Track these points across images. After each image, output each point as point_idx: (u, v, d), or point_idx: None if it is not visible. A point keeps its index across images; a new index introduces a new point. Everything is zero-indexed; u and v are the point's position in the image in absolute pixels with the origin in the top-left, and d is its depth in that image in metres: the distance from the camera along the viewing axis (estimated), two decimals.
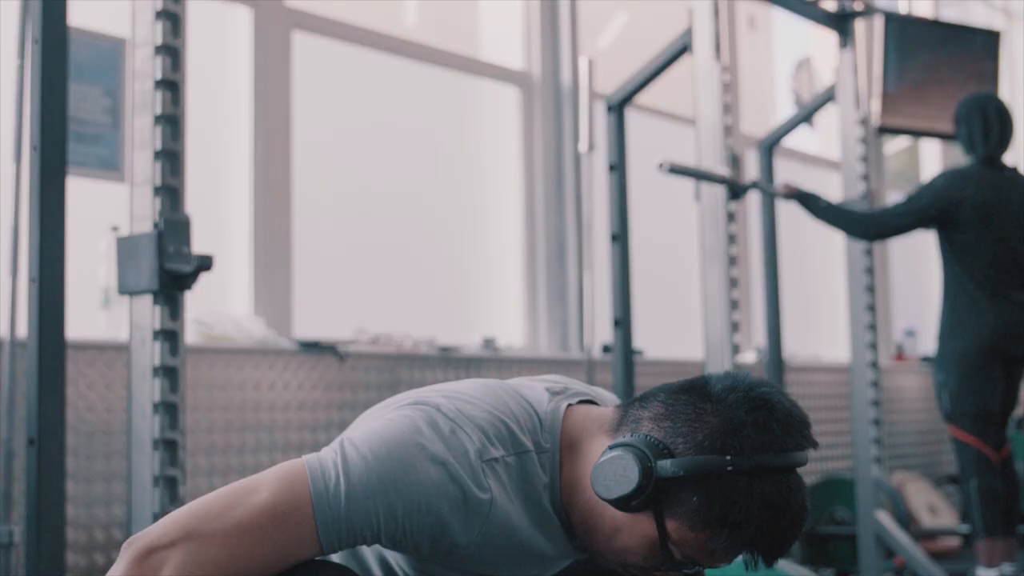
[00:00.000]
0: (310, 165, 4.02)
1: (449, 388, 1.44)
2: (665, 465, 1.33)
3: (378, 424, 1.37)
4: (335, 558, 1.49)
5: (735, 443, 1.33)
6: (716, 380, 1.40)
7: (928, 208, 3.99)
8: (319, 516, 1.29)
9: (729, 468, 1.32)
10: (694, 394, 1.39)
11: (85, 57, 3.37)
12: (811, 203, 4.14)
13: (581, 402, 1.50)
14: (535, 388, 1.49)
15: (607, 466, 1.36)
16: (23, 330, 2.69)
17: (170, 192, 2.46)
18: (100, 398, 3.13)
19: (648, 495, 1.34)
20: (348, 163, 4.26)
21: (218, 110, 3.83)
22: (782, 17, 6.87)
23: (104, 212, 3.27)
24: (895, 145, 7.82)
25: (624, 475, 1.34)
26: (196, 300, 3.31)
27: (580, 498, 1.42)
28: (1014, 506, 4.06)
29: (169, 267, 2.41)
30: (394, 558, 1.47)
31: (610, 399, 1.58)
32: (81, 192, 3.11)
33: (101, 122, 3.39)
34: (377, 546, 1.47)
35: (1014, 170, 4.17)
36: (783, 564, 2.03)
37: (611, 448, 1.37)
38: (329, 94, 4.22)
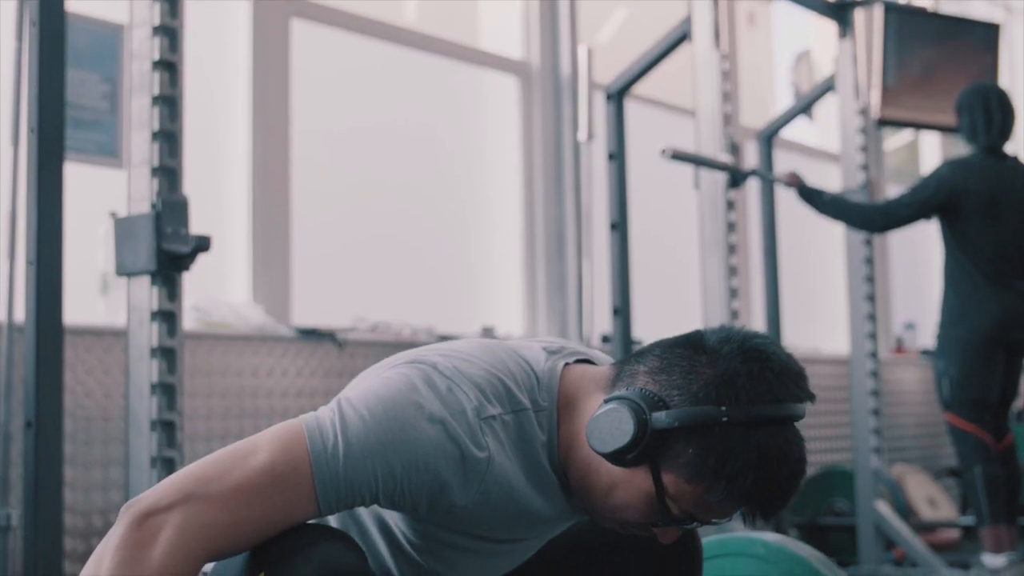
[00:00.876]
0: (309, 153, 4.02)
1: (446, 347, 1.44)
2: (660, 417, 1.33)
3: (375, 383, 1.36)
4: (332, 521, 1.49)
5: (730, 394, 1.32)
6: (711, 333, 1.39)
7: (932, 198, 3.99)
8: (317, 476, 1.28)
9: (724, 419, 1.31)
10: (689, 347, 1.38)
11: (83, 44, 3.37)
12: (815, 199, 4.14)
13: (578, 361, 1.50)
14: (532, 348, 1.49)
15: (602, 420, 1.35)
16: (21, 315, 2.70)
17: (168, 173, 2.46)
18: (98, 384, 3.12)
19: (643, 447, 1.33)
20: (347, 151, 4.26)
21: (216, 98, 3.82)
22: (782, 14, 6.88)
23: (102, 199, 3.26)
24: (895, 141, 7.81)
25: (619, 428, 1.33)
26: (194, 287, 3.30)
27: (577, 455, 1.42)
28: (1016, 495, 4.06)
29: (167, 248, 2.40)
30: (393, 520, 1.46)
31: (607, 360, 1.57)
32: (79, 179, 3.10)
33: (99, 108, 3.39)
34: (376, 508, 1.47)
35: (1015, 159, 4.18)
36: (804, 549, 2.03)
37: (606, 402, 1.37)
38: (328, 83, 4.22)
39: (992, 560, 3.82)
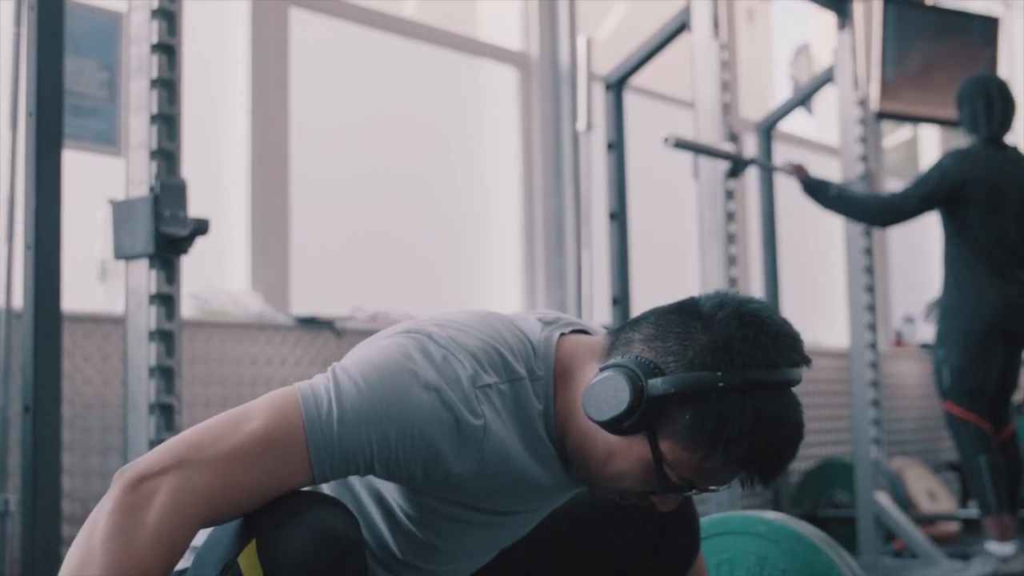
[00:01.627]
0: (308, 142, 4.02)
1: (442, 317, 1.43)
2: (656, 383, 1.32)
3: (370, 351, 1.36)
4: (327, 491, 1.48)
5: (726, 359, 1.32)
6: (706, 299, 1.39)
7: (937, 190, 3.99)
8: (311, 442, 1.28)
9: (720, 384, 1.31)
10: (684, 313, 1.38)
11: (82, 31, 3.37)
12: (820, 193, 4.14)
13: (574, 331, 1.49)
14: (528, 319, 1.49)
15: (598, 387, 1.34)
16: (18, 301, 2.70)
17: (166, 156, 2.46)
18: (96, 371, 3.12)
19: (640, 415, 1.33)
20: (346, 140, 4.25)
21: (215, 87, 3.82)
22: (781, 11, 6.88)
23: (101, 186, 3.26)
24: (895, 138, 7.82)
25: (615, 395, 1.33)
26: (193, 274, 3.30)
27: (574, 424, 1.41)
28: (1017, 485, 4.07)
29: (165, 231, 2.40)
30: (388, 492, 1.45)
31: (602, 331, 1.57)
32: (78, 166, 3.10)
33: (98, 96, 3.38)
34: (371, 480, 1.46)
35: (1015, 149, 4.18)
36: (805, 528, 2.03)
37: (601, 370, 1.36)
38: (327, 73, 4.21)
39: (1000, 548, 3.82)
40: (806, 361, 1.38)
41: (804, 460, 5.65)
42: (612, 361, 1.37)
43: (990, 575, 3.78)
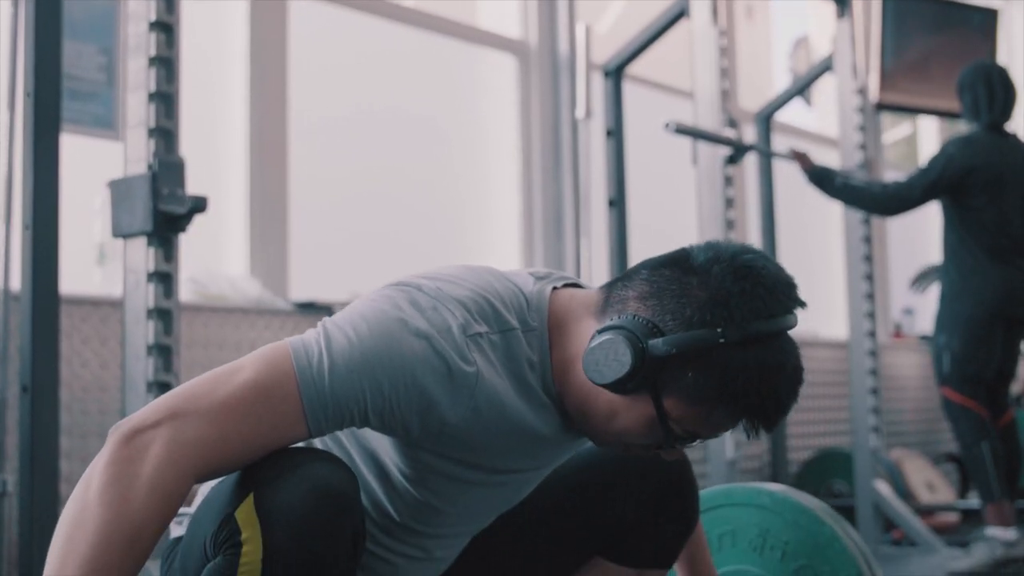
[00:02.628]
0: (306, 128, 4.01)
1: (432, 271, 1.43)
2: (657, 344, 1.32)
3: (359, 305, 1.36)
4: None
5: (724, 315, 1.32)
6: (698, 251, 1.38)
7: (941, 177, 3.98)
8: (304, 393, 1.28)
9: (721, 340, 1.31)
10: (677, 268, 1.37)
11: (80, 16, 3.36)
12: (825, 183, 4.13)
13: (566, 286, 1.49)
14: (520, 273, 1.49)
15: (598, 351, 1.34)
16: (16, 283, 2.69)
17: (164, 134, 2.44)
18: (94, 354, 3.11)
19: (642, 376, 1.33)
20: (344, 127, 4.25)
21: (214, 73, 3.82)
22: (780, 5, 6.89)
23: (99, 170, 3.24)
24: (894, 134, 7.82)
25: (616, 358, 1.32)
26: (192, 260, 3.30)
27: (573, 382, 1.41)
28: (1016, 473, 4.07)
29: (163, 208, 2.39)
30: (384, 450, 1.45)
31: (594, 287, 1.57)
32: (76, 150, 3.09)
33: (96, 80, 3.38)
34: (365, 441, 1.46)
35: (1015, 136, 4.18)
36: (809, 500, 2.03)
37: (600, 332, 1.36)
38: (326, 60, 4.21)
39: (1003, 533, 3.83)
40: (801, 304, 1.38)
41: (803, 451, 5.65)
42: (610, 322, 1.36)
43: (999, 559, 3.78)
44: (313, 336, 1.32)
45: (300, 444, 1.43)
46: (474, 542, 1.67)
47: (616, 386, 1.34)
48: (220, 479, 1.33)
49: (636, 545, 1.72)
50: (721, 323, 1.32)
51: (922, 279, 4.49)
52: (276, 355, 1.29)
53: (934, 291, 4.20)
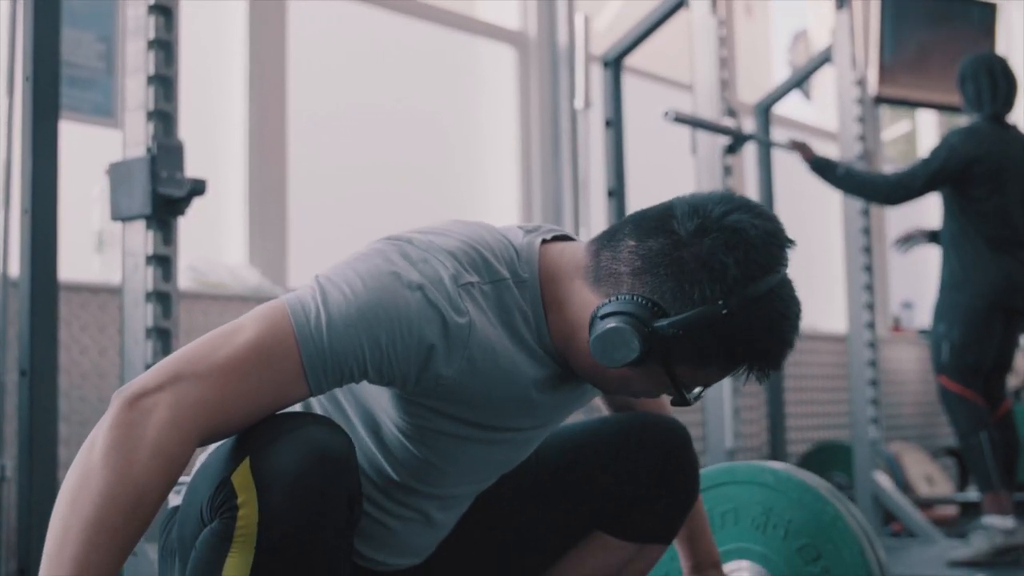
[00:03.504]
0: (305, 117, 4.01)
1: (422, 226, 1.44)
2: (662, 325, 1.34)
3: (352, 260, 1.36)
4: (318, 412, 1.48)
5: (723, 288, 1.34)
6: (682, 217, 1.37)
7: (944, 167, 3.98)
8: (303, 349, 1.27)
9: (724, 312, 1.33)
10: (665, 239, 1.37)
11: (80, 4, 3.35)
12: (828, 172, 4.13)
13: (555, 238, 1.49)
14: (510, 227, 1.50)
15: (605, 339, 1.35)
16: (15, 269, 2.68)
17: (163, 117, 2.43)
18: (93, 341, 3.11)
19: (649, 355, 1.35)
20: (343, 117, 4.24)
21: (212, 64, 3.81)
22: (779, 3, 6.89)
23: (98, 158, 3.24)
24: (893, 131, 7.82)
25: (624, 344, 1.34)
26: (191, 248, 3.29)
27: (580, 352, 1.42)
28: (1014, 463, 4.06)
29: (162, 191, 2.38)
30: (383, 409, 1.45)
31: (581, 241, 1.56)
32: (75, 138, 3.09)
33: (95, 67, 3.37)
34: (363, 398, 1.46)
35: (1015, 128, 4.17)
36: (812, 479, 2.03)
37: (603, 317, 1.36)
38: (325, 50, 4.20)
39: (1002, 522, 3.82)
40: (791, 243, 1.40)
41: (802, 443, 5.65)
42: (610, 307, 1.36)
43: (998, 547, 3.78)
44: (309, 293, 1.31)
45: (299, 406, 1.44)
46: (473, 515, 1.67)
47: (627, 367, 1.37)
48: (217, 445, 1.33)
49: (637, 519, 1.72)
50: (721, 296, 1.33)
51: (906, 241, 4.44)
52: (275, 314, 1.29)
53: (932, 284, 4.18)
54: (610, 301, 1.37)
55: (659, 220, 1.39)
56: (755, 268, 1.34)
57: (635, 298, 1.35)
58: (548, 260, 1.44)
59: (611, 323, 1.35)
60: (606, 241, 1.42)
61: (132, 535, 1.18)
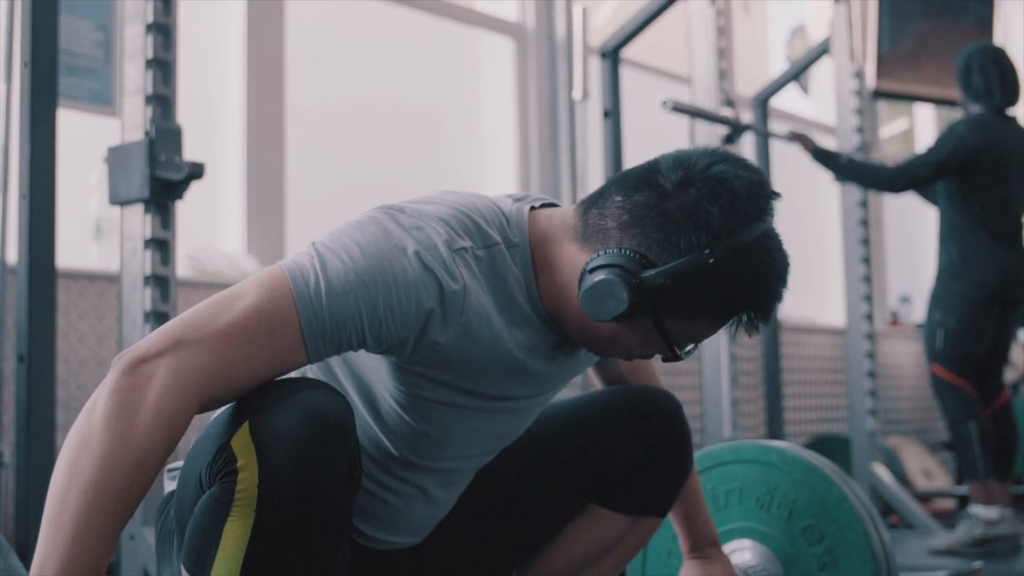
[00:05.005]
0: (303, 107, 4.00)
1: (412, 197, 1.45)
2: (651, 276, 1.35)
3: (346, 227, 1.37)
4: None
5: (710, 238, 1.34)
6: (668, 170, 1.39)
7: (951, 156, 3.98)
8: (302, 314, 1.28)
9: (711, 261, 1.34)
10: (651, 192, 1.38)
11: None
12: (831, 161, 4.13)
13: (543, 206, 1.51)
14: (498, 196, 1.51)
15: (594, 291, 1.36)
16: (12, 256, 2.67)
17: (161, 101, 2.43)
18: (91, 328, 3.09)
19: (640, 307, 1.35)
20: (342, 107, 4.24)
21: (211, 51, 3.80)
22: (775, 1, 6.90)
23: (96, 146, 3.23)
24: (891, 128, 7.82)
25: (613, 296, 1.35)
26: (189, 237, 3.28)
27: (570, 311, 1.43)
28: (1012, 453, 4.06)
29: (160, 175, 2.37)
30: (380, 380, 1.44)
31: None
32: (73, 126, 3.08)
33: (93, 56, 3.36)
34: (359, 370, 1.46)
35: (1015, 120, 4.17)
36: (817, 459, 2.02)
37: (591, 271, 1.37)
38: (323, 39, 4.19)
39: (986, 512, 3.83)
40: (776, 195, 1.41)
41: (800, 437, 5.64)
42: (599, 257, 1.37)
43: (978, 538, 3.80)
44: (307, 260, 1.32)
45: (298, 374, 1.44)
46: (469, 492, 1.67)
47: (616, 320, 1.37)
48: (213, 419, 1.33)
49: (631, 492, 1.73)
50: (708, 244, 1.34)
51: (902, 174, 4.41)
52: (275, 280, 1.29)
53: (930, 278, 4.17)
54: (598, 255, 1.38)
55: (645, 175, 1.41)
56: (740, 217, 1.35)
57: (623, 251, 1.36)
58: (537, 225, 1.46)
59: (600, 276, 1.36)
60: (593, 201, 1.44)
61: (133, 498, 1.17)
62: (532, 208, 1.48)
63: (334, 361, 1.47)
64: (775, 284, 1.39)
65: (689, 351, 1.43)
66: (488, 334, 1.40)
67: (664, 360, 1.46)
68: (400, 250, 1.32)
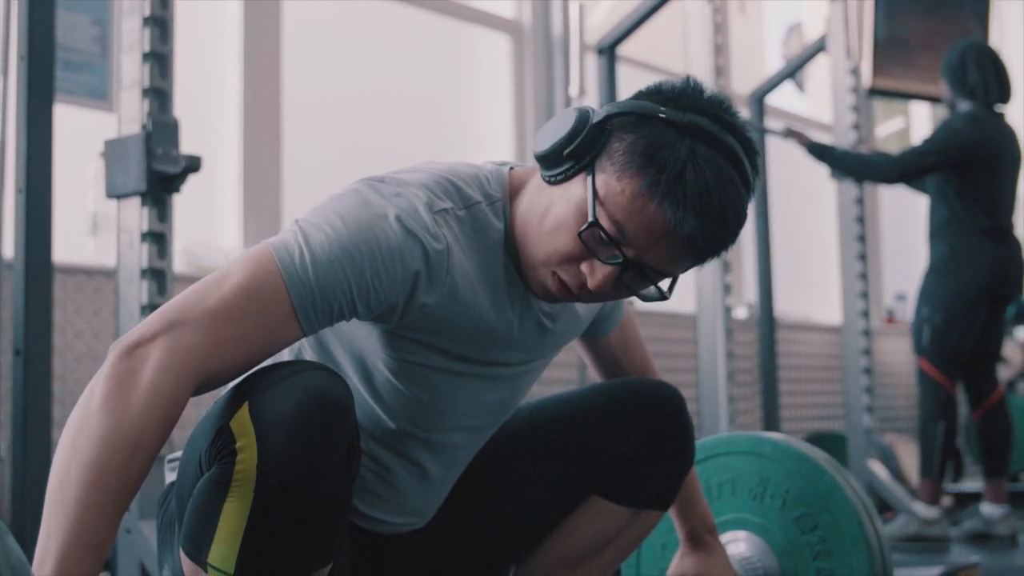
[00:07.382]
0: (300, 103, 4.00)
1: (391, 169, 1.46)
2: (599, 111, 1.37)
3: (327, 202, 1.38)
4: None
5: (671, 101, 1.35)
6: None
7: (947, 149, 3.99)
8: (291, 287, 1.29)
9: (661, 114, 1.34)
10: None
11: None
12: (826, 154, 4.15)
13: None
14: (479, 162, 1.53)
15: (548, 125, 1.40)
16: (9, 250, 2.67)
17: (158, 94, 2.43)
18: (87, 323, 3.10)
19: (581, 142, 1.35)
20: (338, 103, 4.24)
21: (208, 45, 3.80)
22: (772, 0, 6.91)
23: (92, 141, 3.23)
24: (887, 128, 7.83)
25: (561, 124, 1.38)
26: (186, 232, 3.28)
27: (521, 209, 1.44)
28: (1006, 450, 4.08)
29: (157, 168, 2.37)
30: (372, 348, 1.45)
31: None
32: (69, 121, 3.08)
33: (90, 51, 3.36)
34: (351, 341, 1.47)
35: (1004, 117, 4.19)
36: (810, 450, 2.03)
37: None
38: (320, 36, 4.20)
39: (927, 511, 3.92)
40: (754, 164, 1.38)
41: (796, 434, 5.64)
42: None
43: (912, 535, 3.87)
44: (291, 235, 1.33)
45: (293, 356, 1.45)
46: (470, 483, 1.68)
47: (555, 153, 1.37)
48: (212, 404, 1.33)
49: (633, 484, 1.73)
50: (665, 103, 1.35)
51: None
52: (261, 257, 1.30)
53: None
54: None
55: None
56: (703, 108, 1.35)
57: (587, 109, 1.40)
58: (517, 180, 1.48)
59: (557, 116, 1.41)
60: None
61: (133, 478, 1.18)
62: (512, 169, 1.50)
63: (328, 336, 1.48)
64: (715, 184, 1.32)
65: (612, 240, 1.34)
66: (472, 294, 1.41)
67: (585, 262, 1.38)
68: (381, 217, 1.33)
